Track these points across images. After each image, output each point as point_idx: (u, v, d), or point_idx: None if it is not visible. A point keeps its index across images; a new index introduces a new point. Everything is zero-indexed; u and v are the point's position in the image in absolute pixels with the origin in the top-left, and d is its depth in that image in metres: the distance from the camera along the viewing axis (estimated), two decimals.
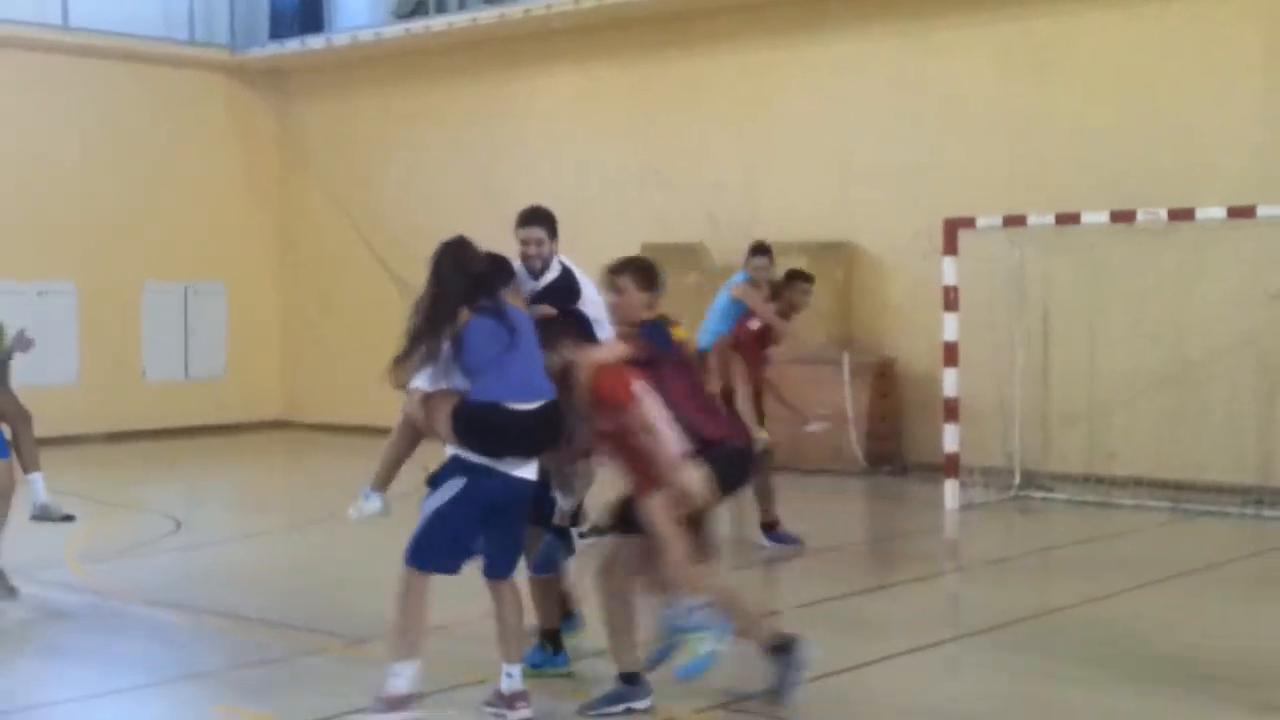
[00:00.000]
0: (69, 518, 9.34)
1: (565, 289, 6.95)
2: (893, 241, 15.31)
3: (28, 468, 9.03)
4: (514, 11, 17.58)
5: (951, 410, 12.59)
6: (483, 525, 6.07)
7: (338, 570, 10.05)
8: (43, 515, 9.19)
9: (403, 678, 6.00)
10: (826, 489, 13.95)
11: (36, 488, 9.09)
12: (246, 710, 6.60)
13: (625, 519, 6.28)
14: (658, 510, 6.02)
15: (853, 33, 15.85)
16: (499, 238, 16.40)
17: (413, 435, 6.38)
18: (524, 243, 7.03)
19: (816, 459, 14.33)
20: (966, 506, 12.40)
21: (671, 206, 17.00)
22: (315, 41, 19.76)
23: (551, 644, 6.92)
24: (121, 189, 19.31)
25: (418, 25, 18.69)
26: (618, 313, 6.83)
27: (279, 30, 20.39)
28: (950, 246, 12.66)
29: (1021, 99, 14.62)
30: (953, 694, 7.00)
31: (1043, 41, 14.56)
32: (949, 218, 12.86)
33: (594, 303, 7.01)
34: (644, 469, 6.06)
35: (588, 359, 6.17)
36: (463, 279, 6.06)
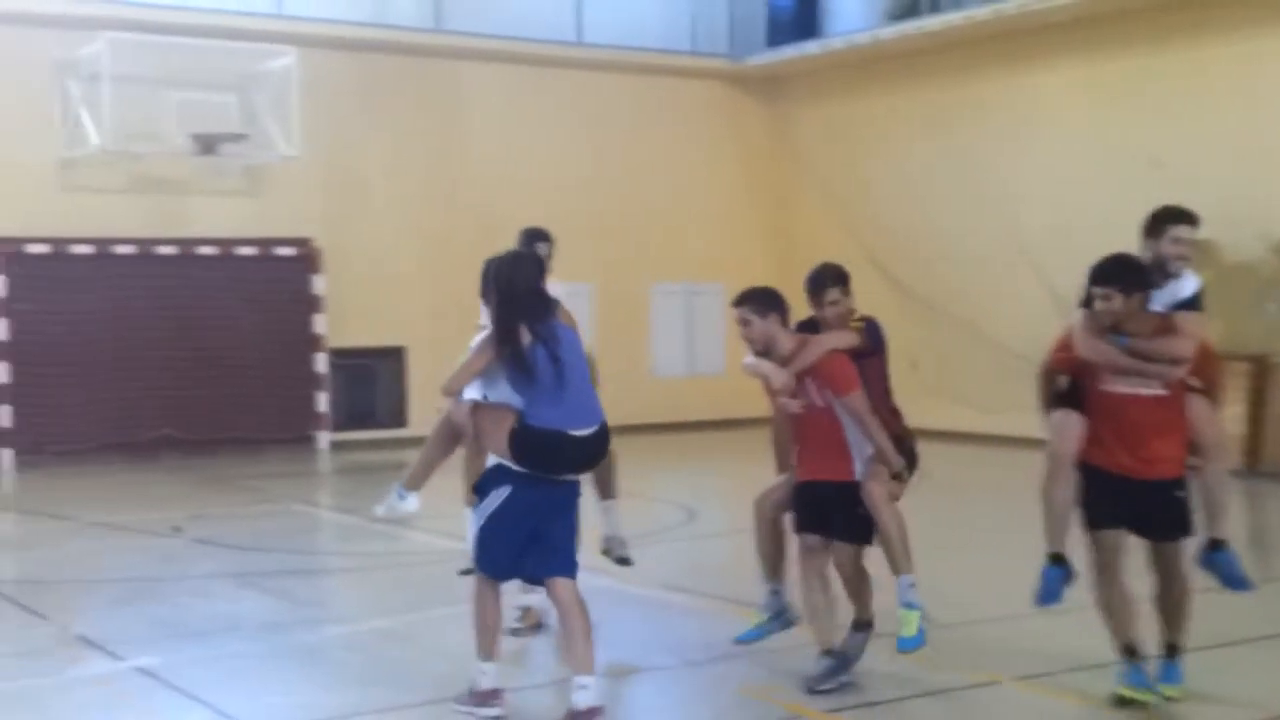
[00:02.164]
0: (625, 561, 8.59)
1: (1199, 302, 6.69)
2: None
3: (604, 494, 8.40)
4: (1008, 7, 17.39)
5: None
6: (533, 528, 6.31)
7: None
8: (607, 548, 8.54)
9: (487, 675, 6.46)
10: None
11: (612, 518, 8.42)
12: (770, 694, 6.92)
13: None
14: (880, 493, 6.77)
15: None
16: (997, 238, 16.55)
17: (451, 439, 6.59)
18: (1176, 241, 6.71)
19: None
20: None
21: (1176, 201, 16.26)
22: (811, 47, 20.22)
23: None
24: (630, 195, 20.46)
25: (912, 26, 18.79)
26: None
27: (776, 38, 20.99)
28: None
29: None
30: None
31: None
32: None
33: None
34: (828, 448, 6.86)
35: (828, 341, 6.88)
36: (523, 296, 6.21)
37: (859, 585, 7.09)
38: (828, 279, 7.15)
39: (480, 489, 6.50)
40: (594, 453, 6.43)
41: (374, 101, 18.95)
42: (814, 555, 7.00)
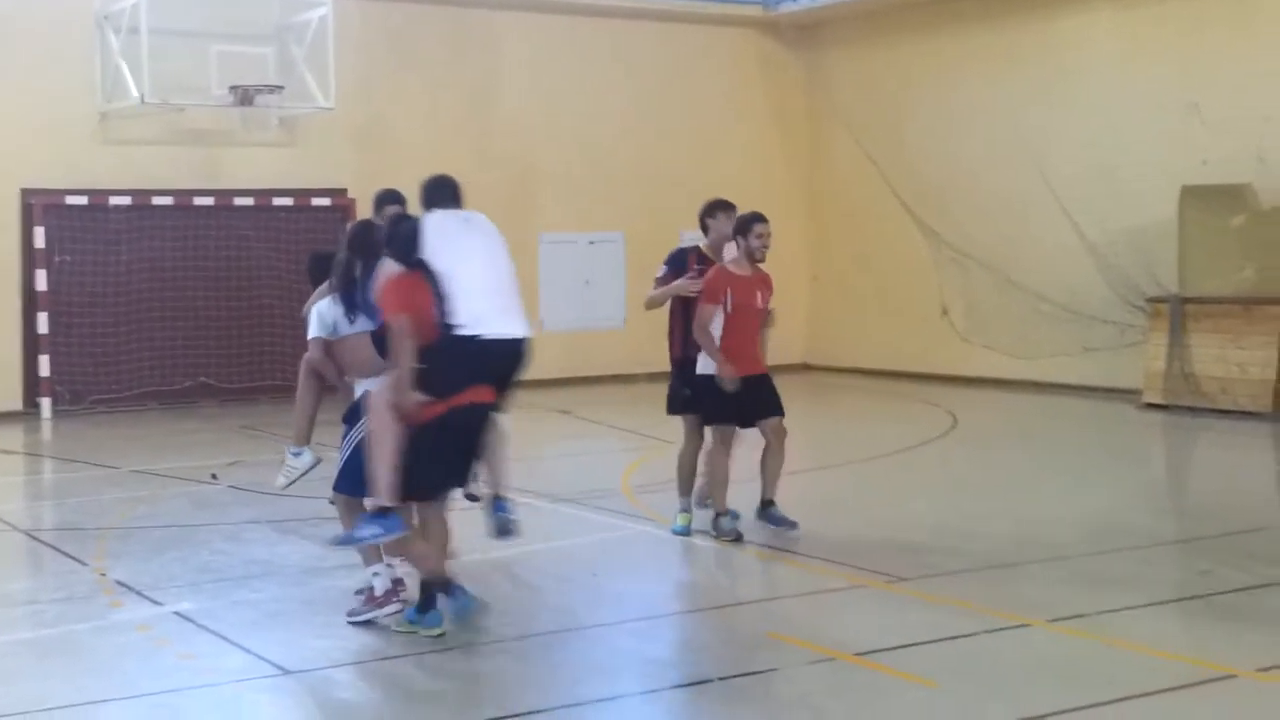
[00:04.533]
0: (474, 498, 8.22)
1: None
2: None
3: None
4: None
5: None
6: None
7: (869, 509, 10.36)
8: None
9: (380, 576, 7.26)
10: None
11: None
12: (796, 639, 6.99)
13: None
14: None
15: None
16: (1029, 185, 15.73)
17: (318, 386, 7.38)
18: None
19: None
20: None
21: (1215, 146, 16.18)
22: None
23: None
24: (662, 144, 20.43)
25: None
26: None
27: None
28: None
29: None
30: None
31: None
32: None
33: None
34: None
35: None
36: (359, 253, 7.32)
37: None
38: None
39: (349, 418, 7.23)
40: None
41: (408, 52, 18.95)
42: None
